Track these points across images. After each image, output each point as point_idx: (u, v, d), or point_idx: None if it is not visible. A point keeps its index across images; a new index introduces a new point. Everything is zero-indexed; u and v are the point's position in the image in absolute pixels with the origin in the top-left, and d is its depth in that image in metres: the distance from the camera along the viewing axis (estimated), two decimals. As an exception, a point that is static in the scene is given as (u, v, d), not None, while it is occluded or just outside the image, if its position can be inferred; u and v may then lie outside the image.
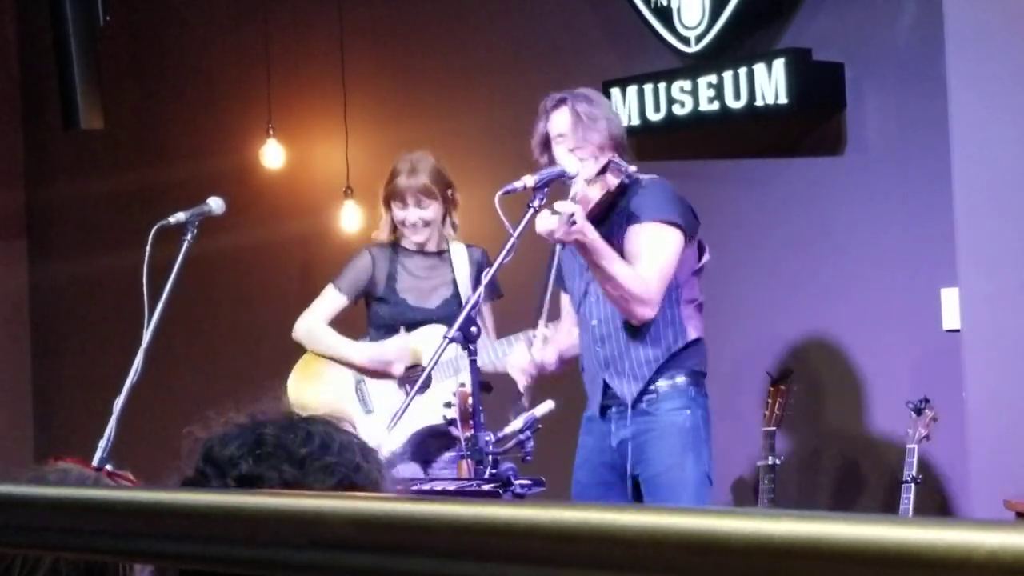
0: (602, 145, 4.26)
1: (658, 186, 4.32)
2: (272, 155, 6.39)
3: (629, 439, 4.27)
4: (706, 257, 4.41)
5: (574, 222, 3.95)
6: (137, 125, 6.93)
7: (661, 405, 4.23)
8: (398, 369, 4.80)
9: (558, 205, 3.97)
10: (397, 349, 4.80)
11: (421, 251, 4.92)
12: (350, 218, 6.16)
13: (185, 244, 4.34)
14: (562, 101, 4.32)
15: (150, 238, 4.26)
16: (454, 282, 4.90)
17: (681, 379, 4.26)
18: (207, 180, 6.43)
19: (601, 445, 4.35)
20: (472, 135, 6.06)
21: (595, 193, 4.21)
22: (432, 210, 4.85)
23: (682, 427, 4.21)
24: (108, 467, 2.00)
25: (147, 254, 4.23)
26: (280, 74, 6.42)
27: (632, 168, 4.30)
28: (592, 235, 4.06)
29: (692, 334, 4.28)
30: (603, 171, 4.26)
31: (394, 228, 4.91)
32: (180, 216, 4.39)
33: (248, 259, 6.53)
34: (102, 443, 4.13)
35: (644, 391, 4.25)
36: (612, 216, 4.29)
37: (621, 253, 4.20)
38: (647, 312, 4.18)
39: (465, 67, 6.14)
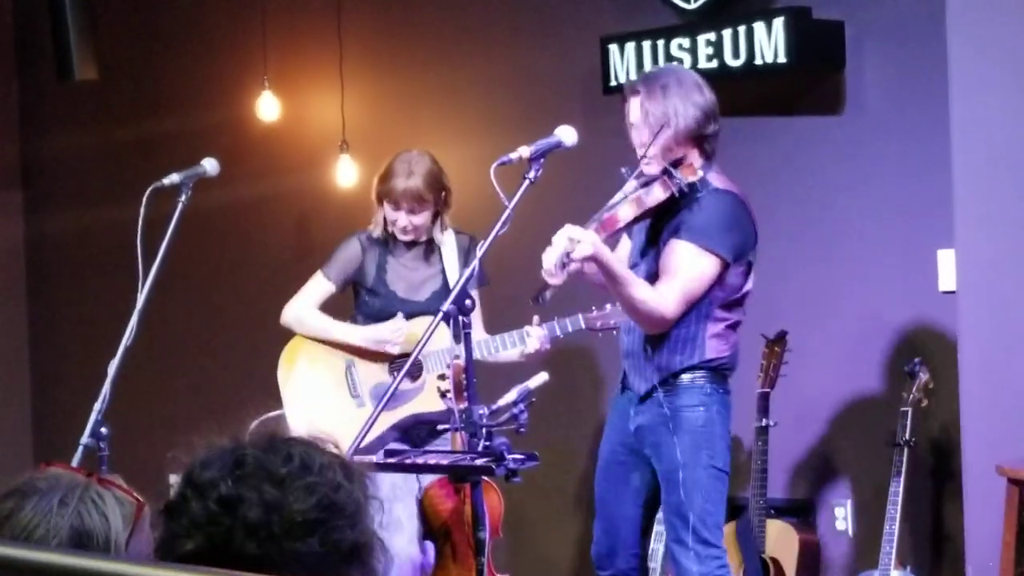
0: (669, 145, 4.16)
1: (714, 205, 4.18)
2: (267, 107, 6.35)
3: (644, 427, 4.27)
4: (749, 285, 4.28)
5: (564, 263, 3.92)
6: (132, 77, 6.88)
7: (675, 401, 4.21)
8: (393, 348, 4.80)
9: (565, 230, 3.94)
10: (393, 329, 4.80)
11: (411, 243, 4.91)
12: (346, 173, 6.13)
13: (180, 206, 4.33)
14: (634, 91, 4.22)
15: (144, 200, 4.24)
16: (443, 273, 4.88)
17: (701, 375, 4.23)
18: (202, 132, 6.40)
19: (621, 425, 4.36)
20: (469, 89, 6.03)
21: (628, 213, 4.11)
22: (424, 216, 4.83)
23: (695, 424, 4.20)
24: (96, 465, 2.00)
25: (141, 215, 4.22)
26: (276, 25, 6.37)
27: (691, 179, 4.13)
28: (607, 259, 4.02)
29: (711, 354, 4.22)
30: (662, 175, 4.14)
31: (387, 222, 4.90)
32: (175, 178, 4.38)
33: (243, 213, 6.51)
34: (97, 405, 4.13)
35: (661, 383, 4.23)
36: (667, 221, 4.21)
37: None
38: (659, 330, 4.17)
39: (463, 21, 6.08)
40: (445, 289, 4.80)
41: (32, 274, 7.26)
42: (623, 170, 4.20)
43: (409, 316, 4.84)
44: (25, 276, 7.27)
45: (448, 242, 4.90)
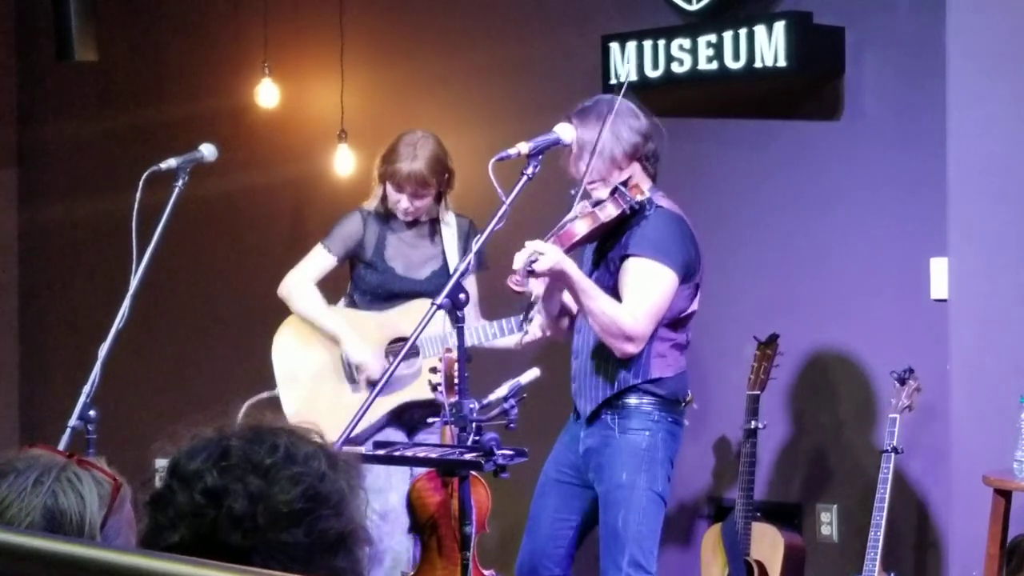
0: (612, 168, 4.23)
1: (663, 221, 4.26)
2: (267, 94, 6.34)
3: (592, 448, 4.31)
4: (694, 306, 4.34)
5: (532, 270, 3.98)
6: (132, 61, 6.87)
7: (624, 423, 4.25)
8: (369, 374, 4.77)
9: (528, 245, 4.03)
10: (376, 363, 4.77)
11: (413, 221, 4.90)
12: (344, 162, 6.13)
13: (176, 191, 4.31)
14: (570, 123, 4.26)
15: (140, 183, 4.23)
16: (443, 254, 4.87)
17: (648, 401, 4.26)
18: (201, 118, 6.39)
19: (571, 447, 4.40)
20: (469, 83, 6.03)
21: (583, 228, 4.17)
22: (426, 200, 4.83)
23: (638, 446, 4.24)
24: (81, 446, 2.00)
25: (137, 199, 4.21)
26: (277, 12, 6.36)
27: (640, 197, 4.23)
28: (572, 271, 4.10)
29: (655, 374, 4.26)
30: (612, 194, 4.22)
31: (386, 200, 4.89)
32: (172, 162, 4.36)
33: (240, 201, 6.50)
34: (86, 388, 4.11)
35: (609, 405, 4.26)
36: (615, 239, 4.28)
37: (616, 277, 4.23)
38: (631, 348, 4.20)
39: (464, 14, 6.08)
40: (445, 270, 4.79)
41: (25, 257, 7.25)
42: (572, 192, 4.24)
43: (406, 294, 4.83)
44: (18, 258, 7.25)
45: (449, 223, 4.89)
